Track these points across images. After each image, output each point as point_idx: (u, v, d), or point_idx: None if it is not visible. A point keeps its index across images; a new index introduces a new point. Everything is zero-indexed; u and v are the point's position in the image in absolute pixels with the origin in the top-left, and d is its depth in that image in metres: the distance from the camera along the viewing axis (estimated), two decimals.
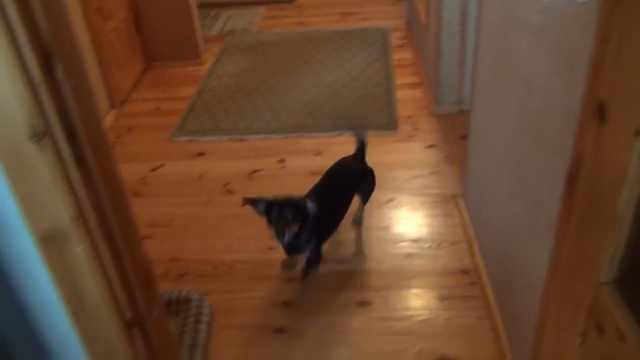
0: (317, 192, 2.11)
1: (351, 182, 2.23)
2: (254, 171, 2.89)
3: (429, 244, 2.28)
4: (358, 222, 2.40)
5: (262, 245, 2.37)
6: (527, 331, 1.44)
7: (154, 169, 2.99)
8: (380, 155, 2.90)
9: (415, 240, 2.31)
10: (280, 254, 2.32)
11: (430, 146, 2.95)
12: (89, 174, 1.05)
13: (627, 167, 0.71)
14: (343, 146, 3.01)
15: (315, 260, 2.07)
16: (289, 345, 1.91)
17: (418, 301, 2.03)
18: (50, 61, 0.95)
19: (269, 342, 1.93)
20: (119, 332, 1.14)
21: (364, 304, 2.03)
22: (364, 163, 2.30)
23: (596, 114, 0.78)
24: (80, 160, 1.03)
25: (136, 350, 1.21)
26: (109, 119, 3.50)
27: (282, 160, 2.96)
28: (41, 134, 0.95)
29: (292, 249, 2.00)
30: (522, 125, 1.48)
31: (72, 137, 1.01)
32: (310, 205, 1.86)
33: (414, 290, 2.07)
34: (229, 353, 1.91)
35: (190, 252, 2.39)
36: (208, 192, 2.77)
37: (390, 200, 2.56)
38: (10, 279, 1.07)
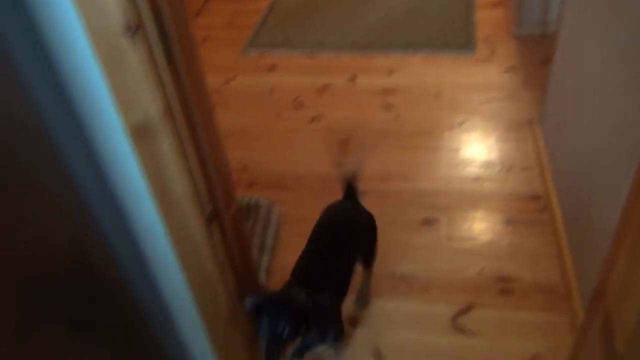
0: (307, 268, 1.54)
1: (349, 236, 1.61)
2: (324, 87, 2.88)
3: (498, 168, 2.25)
4: (364, 301, 1.79)
5: (329, 159, 2.41)
6: (595, 261, 1.43)
7: (226, 82, 3.04)
8: (456, 76, 2.82)
9: (485, 164, 2.28)
10: (347, 166, 2.36)
11: (508, 69, 2.83)
12: (178, 71, 1.09)
13: None
14: (417, 66, 2.95)
15: (342, 336, 1.53)
16: None
17: (483, 223, 2.03)
18: None
19: None
20: (200, 225, 1.22)
21: (429, 222, 2.06)
22: (359, 207, 1.75)
23: None
24: (169, 57, 1.07)
25: (214, 243, 1.29)
26: None
27: (352, 78, 2.93)
28: (135, 29, 0.98)
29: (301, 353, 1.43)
30: (615, 52, 1.39)
31: (163, 34, 1.04)
32: (310, 303, 1.32)
33: (480, 213, 2.07)
34: (294, 259, 2.00)
35: (261, 162, 2.46)
36: (278, 105, 2.80)
37: (462, 123, 2.52)
38: (104, 170, 1.15)
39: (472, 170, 2.27)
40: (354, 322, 1.76)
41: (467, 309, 1.74)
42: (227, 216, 1.32)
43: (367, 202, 2.17)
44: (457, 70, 2.86)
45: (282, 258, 2.00)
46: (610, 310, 1.07)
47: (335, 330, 1.48)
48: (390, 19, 3.39)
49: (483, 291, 1.78)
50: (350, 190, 1.75)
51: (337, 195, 2.24)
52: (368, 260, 1.74)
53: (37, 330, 0.99)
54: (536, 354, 1.59)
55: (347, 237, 1.60)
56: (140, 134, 1.08)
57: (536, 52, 2.91)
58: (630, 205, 1.01)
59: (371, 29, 3.31)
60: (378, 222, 2.08)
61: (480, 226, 2.02)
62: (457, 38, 3.11)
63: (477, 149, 2.38)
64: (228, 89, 2.98)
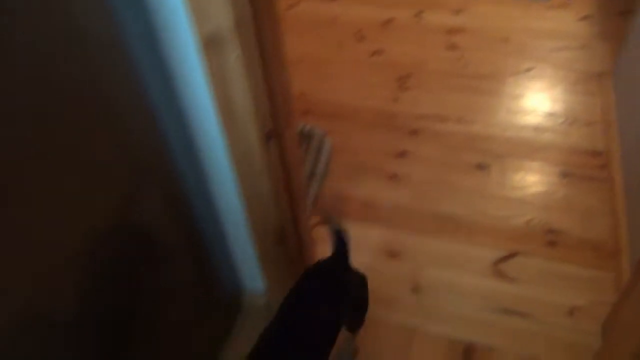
0: (275, 342, 1.14)
1: (332, 304, 1.24)
2: (388, 20, 2.81)
3: (561, 120, 2.18)
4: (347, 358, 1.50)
5: (386, 95, 2.38)
6: None
7: (289, 7, 3.00)
8: (527, 21, 2.70)
9: (547, 114, 2.21)
10: (403, 104, 2.33)
11: (584, 18, 2.68)
12: None
13: None
14: (487, 8, 2.83)
15: None
16: (399, 190, 1.98)
17: (538, 174, 1.99)
18: None
19: (381, 184, 2.02)
20: (259, 141, 1.24)
21: (481, 167, 2.03)
22: (349, 269, 1.37)
23: None
24: None
25: (271, 161, 1.31)
26: None
27: (418, 13, 2.84)
28: None
29: None
30: None
31: None
32: None
33: (536, 163, 2.03)
34: (344, 188, 2.03)
35: (318, 91, 2.46)
36: (340, 36, 2.75)
37: (528, 70, 2.42)
38: (173, 80, 1.18)
39: (533, 119, 2.20)
40: (394, 254, 1.78)
41: (510, 256, 1.74)
42: (285, 136, 1.34)
43: (421, 141, 2.17)
44: (529, 14, 2.73)
45: (331, 188, 2.03)
46: None
47: None
48: None
49: (529, 240, 1.77)
50: (340, 249, 1.35)
51: (390, 131, 2.23)
52: (354, 323, 1.43)
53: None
54: (575, 306, 1.59)
55: (329, 308, 1.23)
56: (210, 45, 1.09)
57: (615, 2, 2.73)
58: None
59: None
60: (431, 163, 2.08)
61: (534, 176, 1.98)
62: None
63: (540, 98, 2.30)
64: (290, 14, 2.95)
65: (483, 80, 2.40)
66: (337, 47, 2.70)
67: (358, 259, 1.78)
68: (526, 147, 2.08)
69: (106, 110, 1.01)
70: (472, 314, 1.61)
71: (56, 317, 0.93)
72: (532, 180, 1.97)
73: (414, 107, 2.32)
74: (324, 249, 1.78)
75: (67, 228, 0.92)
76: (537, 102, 2.28)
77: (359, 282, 1.42)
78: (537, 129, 2.15)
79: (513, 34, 2.63)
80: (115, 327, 1.10)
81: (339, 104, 2.38)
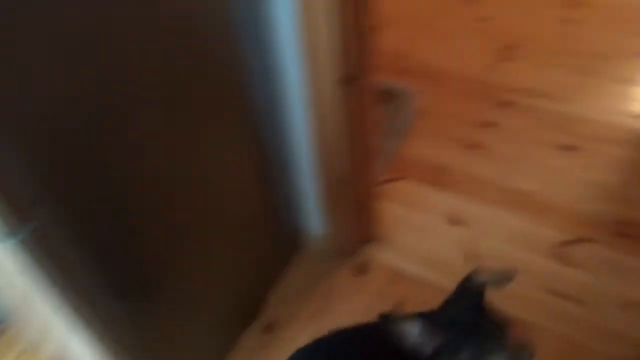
0: None
1: None
2: None
3: None
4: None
5: (485, 63, 2.33)
6: None
7: None
8: None
9: None
10: (499, 75, 2.27)
11: None
12: None
13: None
14: None
15: None
16: (478, 160, 1.97)
17: (627, 162, 1.89)
18: None
19: (461, 151, 2.01)
20: (336, 83, 1.30)
21: (568, 148, 1.96)
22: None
23: None
24: None
25: (345, 104, 1.37)
26: None
27: None
28: None
29: None
30: None
31: None
32: None
33: (626, 151, 1.92)
34: (422, 150, 2.05)
35: (417, 51, 2.45)
36: None
37: None
38: (261, 14, 1.24)
39: (635, 105, 2.07)
40: (456, 221, 1.80)
41: (576, 241, 1.70)
42: (363, 83, 1.39)
43: (511, 115, 2.12)
44: None
45: (409, 149, 2.06)
46: None
47: None
48: None
49: (600, 228, 1.72)
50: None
51: (482, 100, 2.19)
52: None
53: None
54: (632, 300, 1.54)
55: None
56: None
57: None
58: None
59: None
60: (515, 137, 2.03)
61: (621, 164, 1.89)
62: None
63: None
64: None
65: (590, 60, 2.28)
66: (445, 7, 2.65)
67: (420, 220, 1.83)
68: (619, 134, 1.98)
69: (197, 35, 1.10)
70: (523, 290, 1.61)
71: None
72: (619, 167, 1.88)
73: (511, 79, 2.26)
74: (386, 207, 1.83)
75: None
76: None
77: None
78: (636, 116, 2.03)
79: (635, 14, 2.45)
80: (176, 234, 1.22)
81: (434, 67, 2.37)
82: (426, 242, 1.77)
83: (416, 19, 2.60)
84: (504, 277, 1.05)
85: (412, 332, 0.98)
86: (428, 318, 1.00)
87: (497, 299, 1.58)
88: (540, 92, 2.17)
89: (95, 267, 0.99)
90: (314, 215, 1.69)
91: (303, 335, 1.52)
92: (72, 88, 0.83)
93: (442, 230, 1.79)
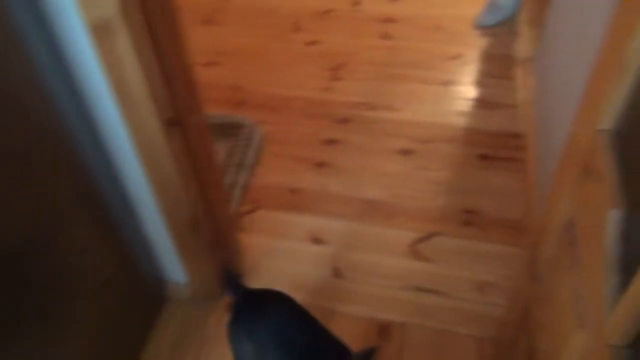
0: None
1: None
2: (327, 11, 2.84)
3: (484, 105, 2.24)
4: None
5: (319, 84, 2.42)
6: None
7: None
8: (460, 9, 2.76)
9: (472, 99, 2.28)
10: (335, 93, 2.37)
11: None
12: None
13: None
14: None
15: None
16: (327, 178, 2.02)
17: (459, 157, 2.05)
18: None
19: (310, 173, 2.05)
20: (159, 127, 1.26)
21: (406, 152, 2.08)
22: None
23: None
24: None
25: (175, 147, 1.33)
26: None
27: (356, 3, 2.87)
28: None
29: None
30: None
31: None
32: None
33: (458, 146, 2.09)
34: (273, 177, 2.06)
35: (252, 82, 2.48)
36: (277, 27, 2.78)
37: (457, 57, 2.48)
38: (68, 65, 1.18)
39: (458, 104, 2.26)
40: (318, 241, 1.82)
41: (427, 237, 1.79)
42: (189, 122, 1.36)
43: (349, 129, 2.21)
44: (461, 2, 2.79)
45: (259, 178, 2.06)
46: (537, 242, 1.11)
47: None
48: None
49: (446, 221, 1.83)
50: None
51: (321, 120, 2.26)
52: None
53: None
54: (486, 281, 1.65)
55: None
56: (99, 30, 1.10)
57: None
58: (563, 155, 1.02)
59: None
60: (357, 150, 2.12)
61: (454, 159, 2.04)
62: None
63: (466, 84, 2.36)
64: (229, 6, 2.95)
65: (414, 68, 2.45)
66: (274, 38, 2.72)
67: (284, 245, 1.83)
68: (450, 132, 2.14)
69: (4, 102, 1.02)
70: (389, 293, 1.66)
71: None
72: (453, 162, 2.03)
73: (345, 96, 2.36)
74: (248, 239, 1.82)
75: None
76: (463, 87, 2.34)
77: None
78: (461, 113, 2.21)
79: (446, 22, 2.69)
80: (30, 322, 1.10)
81: (273, 95, 2.40)
82: (294, 266, 1.76)
83: (249, 51, 2.64)
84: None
85: None
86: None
87: (370, 307, 1.62)
88: (373, 104, 2.29)
89: None
90: (173, 263, 1.62)
91: None
92: None
93: (307, 252, 1.80)
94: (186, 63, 1.33)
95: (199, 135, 1.43)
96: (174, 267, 1.63)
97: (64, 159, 1.22)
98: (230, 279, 1.30)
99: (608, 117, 0.78)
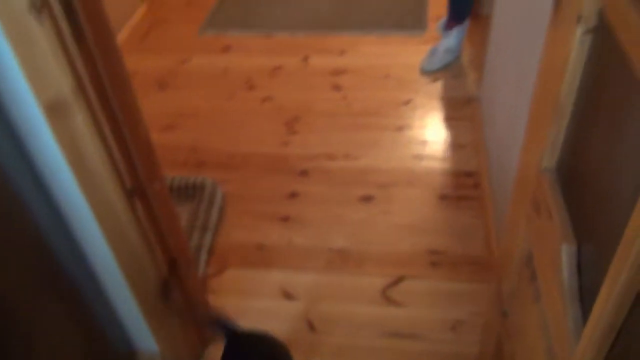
0: None
1: None
2: (277, 67, 2.92)
3: (438, 146, 2.32)
4: None
5: (277, 139, 2.46)
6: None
7: (182, 62, 3.05)
8: (406, 56, 2.88)
9: (426, 142, 2.35)
10: (293, 147, 2.41)
11: None
12: (88, 49, 1.12)
13: (569, 55, 0.73)
14: (368, 46, 3.00)
15: None
16: (292, 231, 2.04)
17: (419, 199, 2.10)
18: None
19: (275, 227, 2.06)
20: (121, 199, 1.26)
21: (367, 198, 2.12)
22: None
23: (554, 1, 0.79)
24: (79, 36, 1.10)
25: (138, 217, 1.33)
26: (140, 11, 3.53)
27: (305, 58, 2.97)
28: (39, 7, 1.01)
29: None
30: (526, 24, 1.46)
31: (69, 13, 1.07)
32: None
33: (417, 189, 2.14)
34: (238, 236, 2.06)
35: (210, 143, 2.50)
36: (231, 86, 2.83)
37: (407, 102, 2.58)
38: (22, 143, 1.18)
39: (413, 147, 2.33)
40: (289, 296, 1.82)
41: (397, 281, 1.81)
42: (150, 191, 1.36)
43: (311, 181, 2.24)
44: (407, 50, 2.92)
45: (225, 237, 2.05)
46: (501, 277, 1.14)
47: None
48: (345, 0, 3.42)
49: (414, 263, 1.86)
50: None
51: (281, 174, 2.29)
52: None
53: None
54: (458, 320, 1.67)
55: None
56: (54, 109, 1.11)
57: (483, 33, 2.96)
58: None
59: (326, 10, 3.34)
60: (320, 201, 2.15)
61: (415, 202, 2.09)
62: (409, 18, 3.16)
63: (419, 127, 2.44)
64: (183, 69, 3.00)
65: (367, 117, 2.52)
66: (229, 97, 2.76)
67: (255, 304, 1.81)
68: (408, 175, 2.20)
69: None
70: (366, 342, 1.66)
71: None
72: (414, 205, 2.08)
73: (304, 148, 2.40)
74: (218, 301, 1.80)
75: None
76: (416, 131, 2.42)
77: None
78: (417, 156, 2.28)
79: (393, 70, 2.80)
80: None
81: (232, 153, 2.43)
82: (267, 323, 1.74)
83: (204, 112, 2.67)
84: None
85: None
86: None
87: (343, 356, 1.62)
88: (331, 154, 2.34)
89: None
90: (143, 332, 1.58)
91: None
92: None
93: (280, 308, 1.79)
94: (143, 132, 1.34)
95: (162, 202, 1.43)
96: (144, 337, 1.60)
97: (25, 239, 1.21)
98: (219, 322, 1.34)
99: (550, 156, 0.83)
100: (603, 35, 0.67)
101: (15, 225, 1.18)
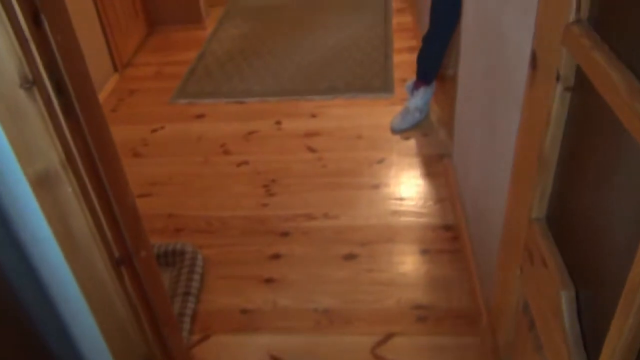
0: None
1: None
2: (251, 132, 2.97)
3: (415, 202, 2.37)
4: None
5: (255, 202, 2.47)
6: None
7: (154, 131, 3.07)
8: (375, 117, 2.97)
9: (402, 198, 2.40)
10: (272, 209, 2.42)
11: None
12: (77, 123, 1.13)
13: (550, 111, 0.78)
14: (338, 109, 3.09)
15: None
16: (276, 293, 2.02)
17: (401, 255, 2.12)
18: (38, 18, 1.03)
19: (259, 290, 2.04)
20: (108, 269, 1.24)
21: (350, 257, 2.13)
22: None
23: (531, 62, 0.85)
24: (68, 110, 1.11)
25: (125, 287, 1.31)
26: (111, 82, 3.57)
27: (278, 122, 3.03)
28: (30, 83, 1.03)
29: None
30: (493, 83, 1.54)
31: (60, 89, 1.09)
32: None
33: (398, 245, 2.17)
34: (221, 301, 2.03)
35: (187, 208, 2.49)
36: (205, 152, 2.85)
37: (381, 161, 2.64)
38: (7, 216, 1.17)
39: (390, 204, 2.37)
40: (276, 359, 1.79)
41: (386, 339, 1.80)
42: (137, 260, 1.35)
43: (292, 242, 2.24)
44: (376, 111, 3.01)
45: (207, 303, 2.02)
46: (495, 329, 1.16)
47: None
48: (314, 65, 3.54)
49: (401, 320, 1.86)
50: None
51: (262, 236, 2.29)
52: None
53: None
54: None
55: None
56: (42, 183, 1.11)
57: (449, 91, 3.09)
58: (505, 221, 1.11)
59: (296, 76, 3.45)
60: (302, 261, 2.15)
61: (397, 258, 2.11)
62: (376, 81, 3.28)
63: (395, 185, 2.49)
64: (156, 138, 3.02)
65: (342, 177, 2.57)
66: (204, 163, 2.78)
67: None
68: (388, 232, 2.23)
69: None
70: None
71: None
72: (397, 261, 2.09)
73: (283, 209, 2.42)
74: None
75: None
76: (392, 188, 2.47)
77: None
78: (394, 213, 2.32)
79: (364, 131, 2.88)
80: None
81: (210, 218, 2.42)
82: None
83: (181, 179, 2.68)
84: None
85: None
86: None
87: None
88: (310, 215, 2.35)
89: None
90: None
91: None
92: None
93: None
94: (131, 199, 1.34)
95: (148, 270, 1.41)
96: None
97: (7, 313, 1.17)
98: None
99: (539, 206, 0.87)
100: (583, 90, 0.72)
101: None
